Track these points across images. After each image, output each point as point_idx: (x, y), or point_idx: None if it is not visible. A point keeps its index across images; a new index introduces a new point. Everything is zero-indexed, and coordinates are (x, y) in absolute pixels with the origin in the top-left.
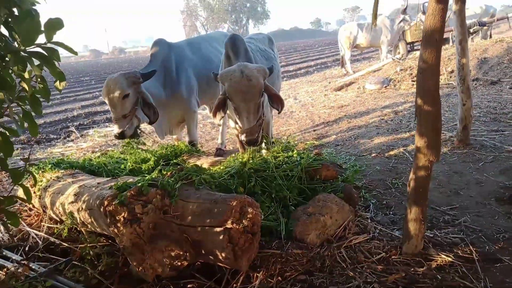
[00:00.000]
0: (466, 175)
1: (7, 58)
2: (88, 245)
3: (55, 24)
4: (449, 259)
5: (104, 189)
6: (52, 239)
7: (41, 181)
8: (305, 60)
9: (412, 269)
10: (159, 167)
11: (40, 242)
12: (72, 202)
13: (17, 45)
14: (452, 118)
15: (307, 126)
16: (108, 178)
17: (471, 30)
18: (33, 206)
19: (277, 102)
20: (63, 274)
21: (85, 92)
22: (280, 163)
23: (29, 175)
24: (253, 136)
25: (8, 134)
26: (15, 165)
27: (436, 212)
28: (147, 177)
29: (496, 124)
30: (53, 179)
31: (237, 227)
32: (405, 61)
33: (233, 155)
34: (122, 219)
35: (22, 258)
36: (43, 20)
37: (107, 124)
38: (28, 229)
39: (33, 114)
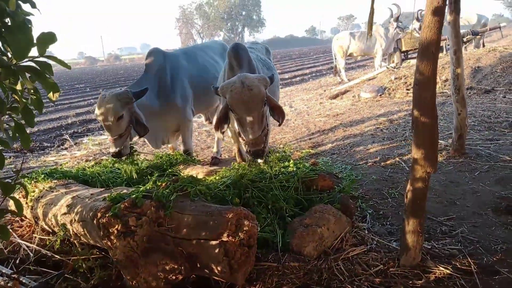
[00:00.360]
0: (462, 184)
1: None
2: (81, 257)
3: (48, 38)
4: (448, 271)
5: (97, 201)
6: (44, 251)
7: (33, 191)
8: (300, 68)
9: (411, 281)
10: (153, 177)
11: (31, 255)
12: (65, 214)
13: (8, 58)
14: (447, 127)
15: (303, 134)
16: (102, 189)
17: (465, 39)
18: (25, 217)
19: (278, 114)
20: (56, 286)
21: (79, 99)
22: (277, 173)
23: (20, 187)
24: (259, 147)
25: None
26: (7, 174)
27: (433, 222)
28: (141, 189)
29: (491, 133)
30: (46, 190)
31: (233, 240)
32: (400, 70)
33: (234, 163)
34: (115, 231)
35: (12, 271)
36: (36, 29)
37: (101, 132)
38: (20, 240)
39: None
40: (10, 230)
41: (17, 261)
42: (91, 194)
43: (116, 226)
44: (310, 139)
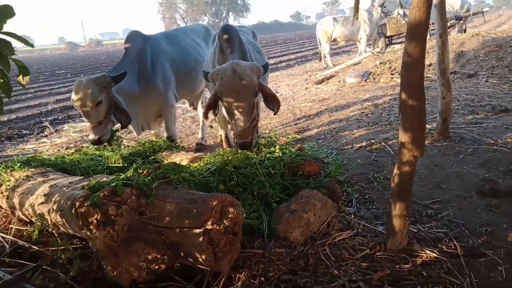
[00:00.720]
0: (447, 168)
1: None
2: (60, 248)
3: (5, 13)
4: (434, 254)
5: (76, 189)
6: (20, 242)
7: (9, 180)
8: (285, 53)
9: (397, 266)
10: (135, 165)
11: (7, 246)
12: (42, 203)
13: None
14: (431, 111)
15: (289, 119)
16: (81, 177)
17: (448, 24)
18: (1, 207)
19: (273, 103)
20: (32, 281)
21: (60, 85)
22: (262, 159)
23: None
24: (247, 139)
25: None
26: None
27: (419, 206)
28: (121, 176)
29: (474, 117)
30: (22, 179)
31: (218, 228)
32: (384, 55)
33: (219, 149)
34: (94, 221)
35: None
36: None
37: (82, 119)
38: None
39: None
40: None
41: None
42: (69, 182)
43: (95, 216)
44: (296, 124)
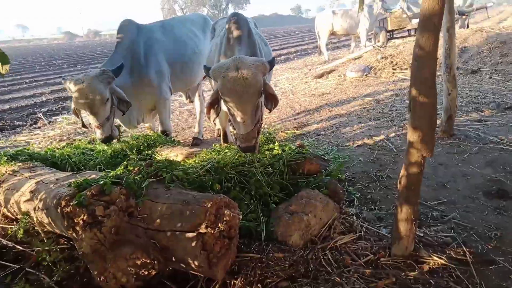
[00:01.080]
0: (452, 167)
1: None
2: (45, 248)
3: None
4: (442, 261)
5: (62, 187)
6: (4, 241)
7: None
8: (285, 46)
9: (403, 273)
10: (125, 161)
11: None
12: (28, 200)
13: None
14: None
15: (288, 114)
16: (69, 173)
17: None
18: None
19: (271, 102)
20: (12, 285)
21: (56, 76)
22: (261, 157)
23: None
24: (250, 143)
25: None
26: None
27: (424, 207)
28: (110, 174)
29: (479, 114)
30: (9, 174)
31: (212, 232)
32: (386, 49)
33: (215, 145)
34: (81, 222)
35: None
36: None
37: None
38: None
39: None
40: None
41: None
42: (56, 179)
43: (82, 216)
44: (295, 119)
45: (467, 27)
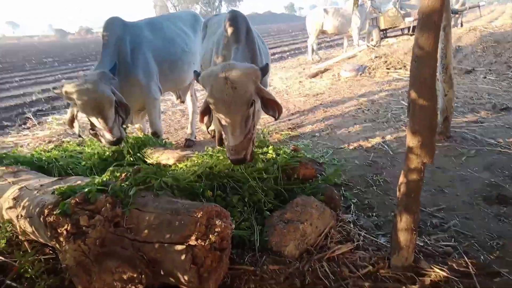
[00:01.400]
0: (450, 170)
1: None
2: (28, 259)
3: None
4: (444, 273)
5: (46, 194)
6: None
7: None
8: (279, 45)
9: (404, 286)
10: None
11: None
12: (10, 208)
13: None
14: None
15: (282, 115)
16: (54, 179)
17: None
18: None
19: (273, 108)
20: None
21: (47, 74)
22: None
23: None
24: (239, 155)
25: None
26: None
27: (423, 214)
28: (96, 180)
29: (474, 115)
30: None
31: (203, 244)
32: (380, 48)
33: (208, 148)
34: (64, 232)
35: None
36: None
37: (67, 110)
38: None
39: None
40: None
41: None
42: (40, 185)
43: (65, 226)
44: (289, 120)
45: (461, 25)
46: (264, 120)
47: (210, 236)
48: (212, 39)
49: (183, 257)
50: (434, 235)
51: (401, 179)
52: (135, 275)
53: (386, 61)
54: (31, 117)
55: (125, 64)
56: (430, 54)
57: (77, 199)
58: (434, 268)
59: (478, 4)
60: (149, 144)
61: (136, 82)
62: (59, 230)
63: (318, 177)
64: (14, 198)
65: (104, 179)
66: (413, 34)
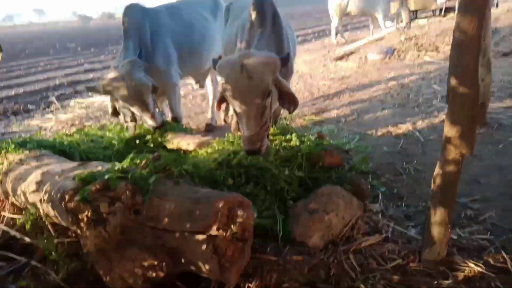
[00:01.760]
0: (485, 159)
1: None
2: (52, 241)
3: None
4: (479, 269)
5: (67, 179)
6: (12, 232)
7: (2, 163)
8: (302, 27)
9: (436, 281)
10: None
11: None
12: (34, 191)
13: None
14: None
15: (306, 99)
16: (75, 164)
17: None
18: None
19: (289, 102)
20: (17, 282)
21: (70, 59)
22: (277, 148)
23: None
24: (254, 146)
25: None
26: None
27: (456, 205)
28: (116, 167)
29: None
30: (16, 162)
31: (224, 234)
32: (410, 30)
33: (228, 134)
34: (85, 218)
35: None
36: None
37: (89, 94)
38: None
39: None
40: None
41: None
42: (62, 170)
43: (86, 213)
44: (313, 104)
45: (497, 6)
46: None
47: (232, 226)
48: (236, 24)
49: (204, 247)
50: (468, 228)
51: (437, 170)
52: (155, 263)
53: (417, 43)
54: (54, 100)
55: (145, 50)
56: (473, 39)
57: (97, 186)
58: (469, 263)
59: None
60: (169, 129)
61: (156, 68)
62: (79, 216)
63: (344, 166)
64: (37, 182)
65: (125, 166)
66: (445, 16)
